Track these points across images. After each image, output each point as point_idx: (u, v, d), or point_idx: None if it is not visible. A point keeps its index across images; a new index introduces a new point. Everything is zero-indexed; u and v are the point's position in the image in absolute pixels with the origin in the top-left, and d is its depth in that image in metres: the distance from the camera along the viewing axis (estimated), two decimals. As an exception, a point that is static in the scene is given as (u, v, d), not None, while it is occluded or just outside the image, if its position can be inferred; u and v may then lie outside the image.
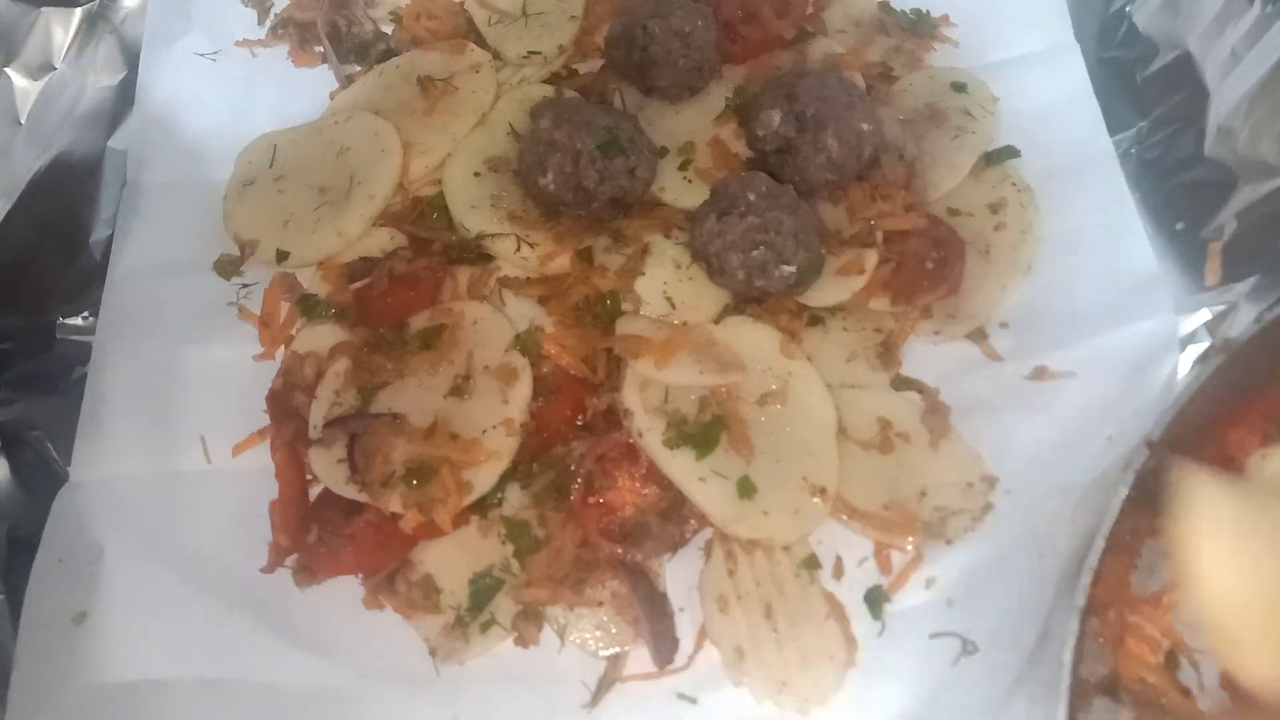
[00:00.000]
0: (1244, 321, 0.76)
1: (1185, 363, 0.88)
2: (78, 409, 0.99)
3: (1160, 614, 0.81)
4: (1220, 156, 0.98)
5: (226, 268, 1.07)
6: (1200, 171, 0.99)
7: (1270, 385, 0.85)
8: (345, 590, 0.90)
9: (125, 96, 1.19)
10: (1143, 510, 0.82)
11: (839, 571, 0.87)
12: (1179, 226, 0.98)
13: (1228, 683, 0.78)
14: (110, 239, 1.10)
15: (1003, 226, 1.00)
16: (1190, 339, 0.90)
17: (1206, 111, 0.99)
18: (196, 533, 0.93)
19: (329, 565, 0.90)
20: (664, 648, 0.86)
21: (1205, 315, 0.90)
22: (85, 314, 1.07)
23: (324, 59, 1.20)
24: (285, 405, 0.97)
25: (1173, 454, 0.81)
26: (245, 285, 1.06)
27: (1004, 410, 0.91)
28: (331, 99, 1.17)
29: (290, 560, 0.91)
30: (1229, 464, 0.84)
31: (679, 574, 0.89)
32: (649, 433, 0.89)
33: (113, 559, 0.89)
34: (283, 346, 1.02)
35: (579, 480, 0.90)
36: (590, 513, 0.89)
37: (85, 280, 1.09)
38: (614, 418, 0.93)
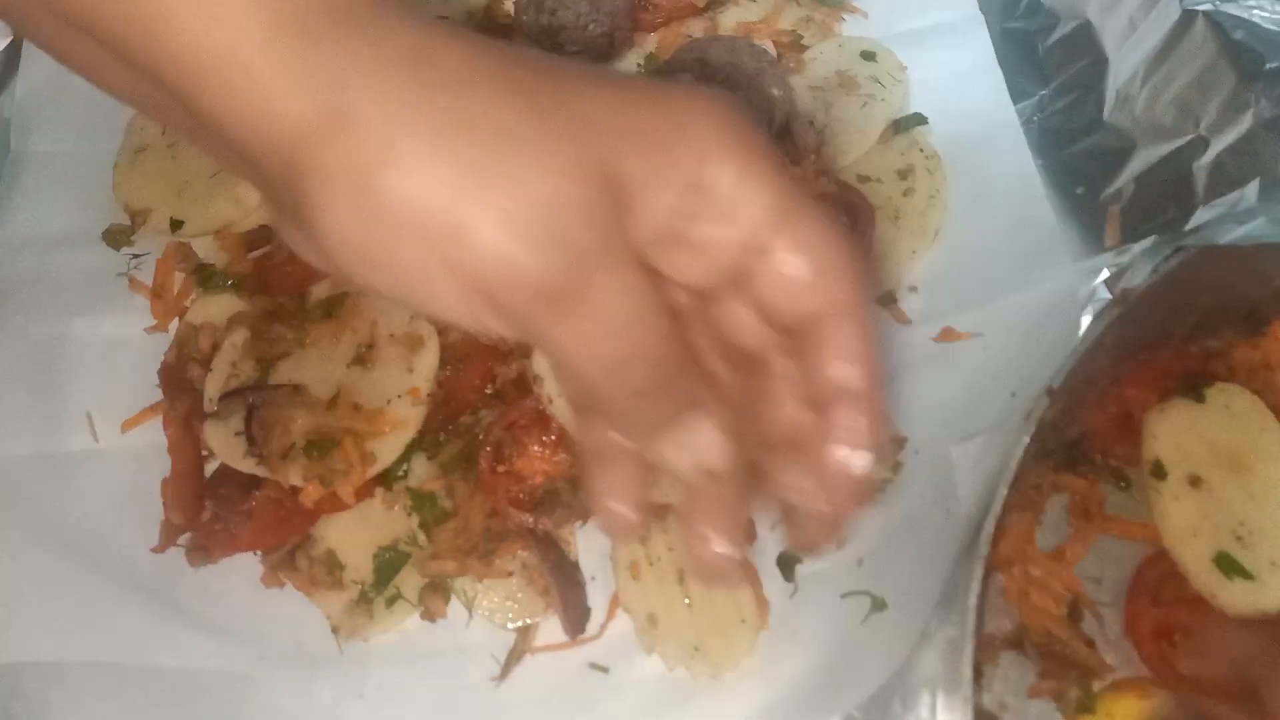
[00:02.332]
0: (1141, 276, 0.77)
1: (1086, 320, 0.90)
2: (-46, 388, 0.93)
3: (1063, 568, 0.82)
4: (1119, 122, 1.00)
5: (116, 237, 1.02)
6: (1100, 137, 1.01)
7: (1165, 342, 0.87)
8: (243, 568, 0.87)
9: (9, 61, 1.12)
10: (1045, 466, 0.84)
11: (751, 535, 0.86)
12: (1079, 191, 1.00)
13: (1131, 632, 0.80)
14: (-8, 210, 1.03)
15: (911, 192, 1.01)
16: (1091, 297, 0.91)
17: (1106, 78, 1.01)
18: (84, 513, 0.88)
19: (226, 543, 0.87)
20: (575, 617, 0.84)
21: (1105, 275, 0.92)
22: (-37, 288, 1.01)
23: (222, 24, 1.15)
24: (179, 379, 0.93)
25: (1073, 410, 0.83)
26: (136, 256, 1.01)
27: (913, 372, 0.91)
28: (230, 64, 1.13)
29: (184, 539, 0.88)
30: (1128, 421, 0.86)
31: (591, 542, 0.87)
32: (560, 399, 0.87)
33: None
34: (176, 318, 0.97)
35: (488, 448, 0.88)
36: (499, 481, 0.87)
37: (-36, 253, 1.02)
38: (525, 386, 0.91)
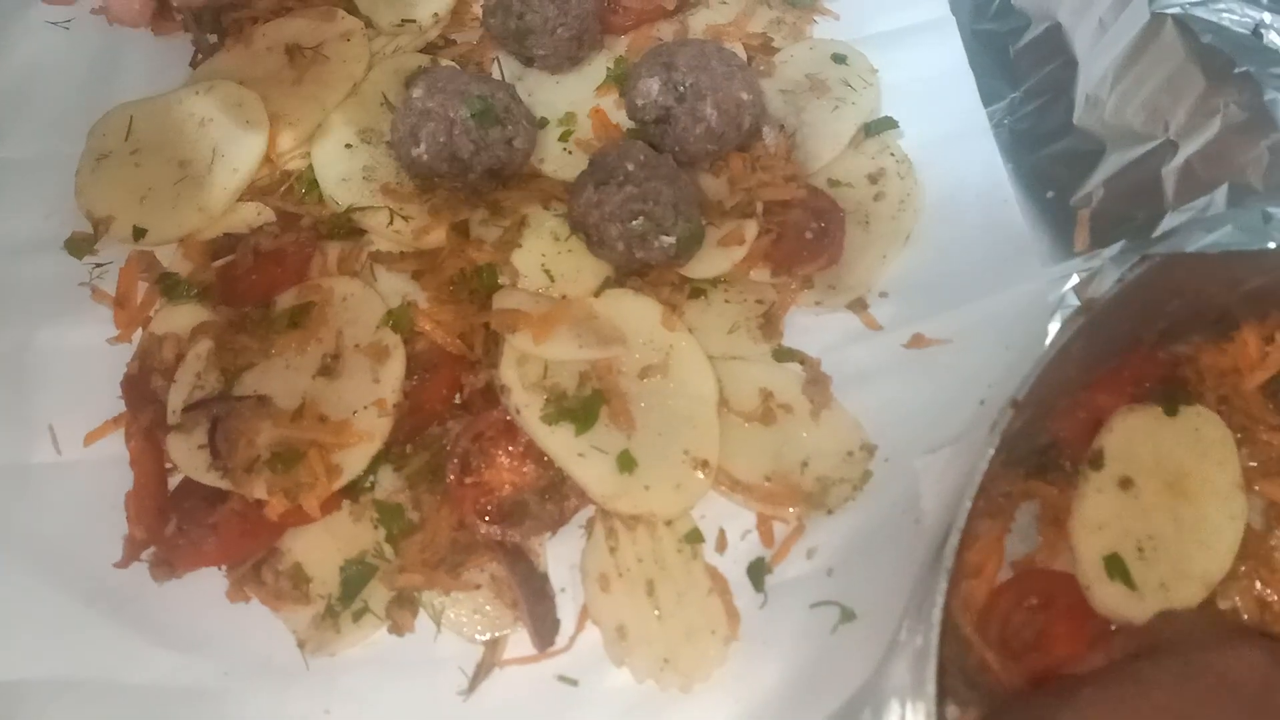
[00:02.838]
0: (1108, 284, 0.77)
1: (1056, 326, 0.89)
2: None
3: (1032, 575, 0.82)
4: (1088, 125, 0.99)
5: (79, 246, 1.00)
6: (1070, 141, 1.01)
7: (1134, 348, 0.87)
8: (208, 583, 0.86)
9: (-31, 69, 1.11)
10: (1015, 473, 0.84)
11: (722, 545, 0.86)
12: (1049, 195, 1.00)
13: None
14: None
15: (882, 197, 1.00)
16: (1060, 303, 0.91)
17: (1075, 81, 1.01)
18: (46, 527, 0.88)
19: (190, 557, 0.86)
20: (544, 630, 0.83)
21: (1075, 280, 0.92)
22: (-75, 298, 1.00)
23: (185, 27, 1.14)
24: (142, 390, 0.92)
25: (1042, 418, 0.83)
26: (99, 265, 1.00)
27: (883, 378, 0.91)
28: (193, 69, 1.11)
29: (148, 554, 0.86)
30: (1097, 427, 0.85)
31: (560, 553, 0.86)
32: (527, 409, 0.87)
33: None
34: (140, 329, 0.96)
35: (455, 460, 0.87)
36: (467, 493, 0.86)
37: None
38: (492, 395, 0.90)
